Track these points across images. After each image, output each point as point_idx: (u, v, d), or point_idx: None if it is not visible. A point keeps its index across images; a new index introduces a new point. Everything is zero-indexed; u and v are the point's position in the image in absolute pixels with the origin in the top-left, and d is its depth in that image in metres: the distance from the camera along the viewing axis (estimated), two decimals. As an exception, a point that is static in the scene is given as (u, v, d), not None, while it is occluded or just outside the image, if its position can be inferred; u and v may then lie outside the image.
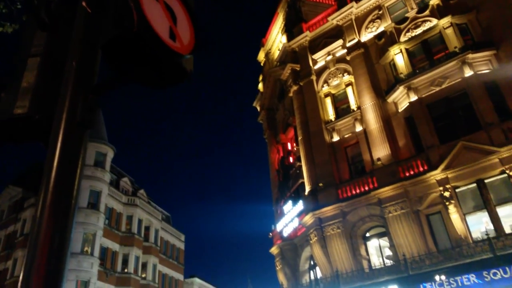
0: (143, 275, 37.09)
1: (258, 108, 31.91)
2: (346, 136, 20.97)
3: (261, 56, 31.97)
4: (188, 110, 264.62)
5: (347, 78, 22.13)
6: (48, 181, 1.65)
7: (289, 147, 25.72)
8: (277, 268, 23.53)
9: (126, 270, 34.87)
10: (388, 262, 16.88)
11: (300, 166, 22.63)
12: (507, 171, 14.45)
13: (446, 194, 15.58)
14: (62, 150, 1.70)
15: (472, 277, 12.09)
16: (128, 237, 36.21)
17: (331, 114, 22.17)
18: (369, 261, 17.81)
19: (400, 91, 18.58)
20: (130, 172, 61.57)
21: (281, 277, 22.68)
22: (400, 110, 18.97)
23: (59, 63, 1.96)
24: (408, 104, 18.31)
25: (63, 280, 1.56)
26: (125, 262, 35.27)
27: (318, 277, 19.87)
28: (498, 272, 11.73)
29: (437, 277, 12.77)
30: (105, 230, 33.35)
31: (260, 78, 31.64)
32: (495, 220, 14.62)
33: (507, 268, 11.57)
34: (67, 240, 1.61)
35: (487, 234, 13.07)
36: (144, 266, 37.69)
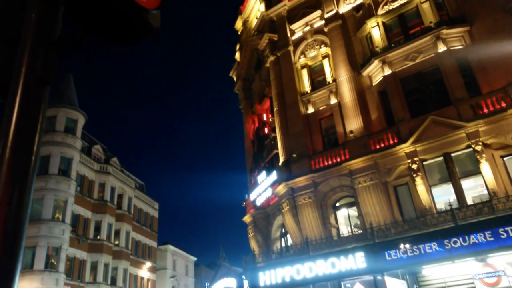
0: (116, 242, 37.20)
1: (235, 78, 31.59)
2: (321, 108, 21.13)
3: (238, 25, 31.33)
4: (164, 78, 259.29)
5: (324, 50, 22.07)
6: (7, 137, 1.61)
7: (265, 118, 25.77)
8: (250, 236, 24.02)
9: (98, 237, 34.84)
10: (356, 231, 17.50)
11: (275, 137, 22.78)
12: (473, 146, 14.99)
13: (414, 166, 16.10)
14: (21, 106, 1.66)
15: (434, 245, 12.67)
16: (100, 204, 35.98)
17: (307, 86, 22.20)
18: (338, 229, 18.42)
19: (375, 64, 18.73)
20: (103, 139, 60.46)
21: (253, 244, 23.21)
22: (374, 84, 19.18)
23: (18, 16, 1.87)
24: (382, 78, 18.52)
25: (22, 237, 1.55)
26: (97, 229, 35.20)
27: (289, 244, 20.45)
28: (458, 240, 12.33)
29: (401, 245, 13.30)
30: (76, 197, 32.99)
31: (237, 47, 31.14)
32: (459, 192, 15.28)
33: (466, 237, 12.18)
34: (27, 199, 1.58)
35: (450, 205, 13.66)
36: (117, 233, 37.74)
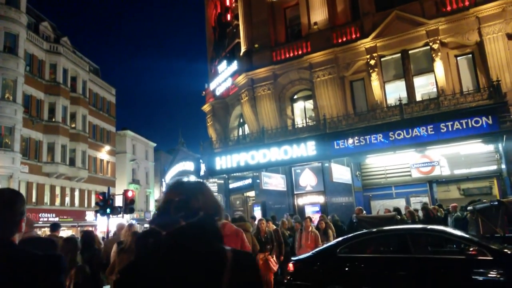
0: (73, 125, 36.78)
1: (197, -45, 28.88)
2: (287, -5, 20.16)
3: None
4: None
5: None
6: None
7: (228, 3, 24.38)
8: (208, 124, 24.48)
9: (53, 119, 34.17)
10: (310, 122, 18.24)
11: (237, 25, 21.91)
12: (431, 44, 15.25)
13: (372, 62, 16.35)
14: None
15: (379, 136, 13.55)
16: (53, 86, 34.53)
17: (274, -32, 20.77)
18: (293, 120, 19.09)
19: (348, -51, 17.63)
20: (51, 17, 55.45)
21: (211, 132, 23.80)
22: (344, -29, 18.27)
23: None
24: (353, -35, 17.62)
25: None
26: (51, 111, 34.32)
27: (246, 133, 21.16)
28: (402, 133, 13.22)
29: (350, 139, 14.12)
30: (27, 77, 31.35)
31: None
32: (410, 88, 15.96)
33: (410, 130, 13.04)
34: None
35: (400, 100, 14.34)
36: (73, 116, 37.09)
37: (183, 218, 1.41)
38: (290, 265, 7.87)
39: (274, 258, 9.29)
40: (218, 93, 23.27)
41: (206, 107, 24.78)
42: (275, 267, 9.09)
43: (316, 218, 13.43)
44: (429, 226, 8.64)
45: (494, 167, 14.28)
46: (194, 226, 1.41)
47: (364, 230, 8.05)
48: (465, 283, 6.11)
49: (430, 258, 6.83)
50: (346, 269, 7.17)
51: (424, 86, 16.16)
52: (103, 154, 42.84)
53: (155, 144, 58.52)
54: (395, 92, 16.14)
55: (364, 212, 13.17)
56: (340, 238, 7.98)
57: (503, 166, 13.72)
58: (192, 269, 1.34)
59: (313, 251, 8.21)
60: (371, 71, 16.37)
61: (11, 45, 30.08)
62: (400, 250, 7.12)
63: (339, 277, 7.16)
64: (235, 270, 1.37)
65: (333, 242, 8.10)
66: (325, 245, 8.28)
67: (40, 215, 31.03)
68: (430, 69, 15.59)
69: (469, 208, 11.27)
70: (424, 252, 7.09)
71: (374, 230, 7.98)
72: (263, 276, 9.02)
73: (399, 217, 11.26)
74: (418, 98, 15.75)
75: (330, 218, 12.48)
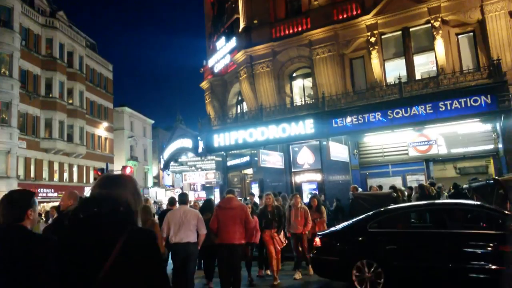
0: (70, 101, 36.56)
1: None
2: (287, -32, 19.73)
3: None
4: None
5: None
6: None
7: (227, -24, 23.90)
8: (206, 101, 24.37)
9: (51, 95, 33.93)
10: (309, 100, 18.16)
11: (236, 0, 21.52)
12: (432, 21, 15.06)
13: (372, 39, 16.17)
14: None
15: (378, 115, 13.52)
16: (49, 61, 34.10)
17: None
18: (292, 98, 19.01)
19: None
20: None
21: (210, 109, 23.71)
22: None
23: None
24: None
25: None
26: (48, 87, 34.02)
27: (244, 110, 21.09)
28: (400, 111, 13.18)
29: (349, 116, 14.09)
30: (23, 52, 30.93)
31: None
32: (410, 67, 15.84)
33: (408, 108, 13.01)
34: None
35: (399, 79, 14.25)
36: (70, 92, 36.80)
37: (93, 206, 1.82)
38: (317, 239, 7.86)
39: (282, 235, 9.27)
40: (216, 70, 23.06)
41: (204, 84, 24.60)
42: (280, 245, 9.04)
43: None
44: (466, 201, 8.67)
45: (491, 146, 14.35)
46: (100, 212, 1.80)
47: (392, 206, 7.95)
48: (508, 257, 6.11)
49: (467, 233, 6.80)
50: (377, 243, 7.21)
51: (424, 64, 16.05)
52: (101, 130, 42.74)
53: (153, 121, 58.37)
54: (395, 70, 16.02)
55: (360, 189, 13.29)
56: (370, 213, 7.90)
57: (500, 146, 13.79)
58: (94, 240, 1.72)
59: (341, 226, 8.21)
60: (371, 48, 16.21)
61: (5, 18, 29.55)
62: (434, 225, 7.10)
63: (369, 252, 7.22)
64: (128, 243, 1.70)
65: (362, 217, 7.95)
66: (353, 220, 8.13)
67: (38, 190, 31.18)
68: (430, 47, 15.45)
69: (465, 186, 11.42)
70: (460, 226, 7.06)
71: (406, 205, 7.94)
72: (272, 252, 9.04)
73: (395, 194, 11.39)
74: (418, 76, 15.67)
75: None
